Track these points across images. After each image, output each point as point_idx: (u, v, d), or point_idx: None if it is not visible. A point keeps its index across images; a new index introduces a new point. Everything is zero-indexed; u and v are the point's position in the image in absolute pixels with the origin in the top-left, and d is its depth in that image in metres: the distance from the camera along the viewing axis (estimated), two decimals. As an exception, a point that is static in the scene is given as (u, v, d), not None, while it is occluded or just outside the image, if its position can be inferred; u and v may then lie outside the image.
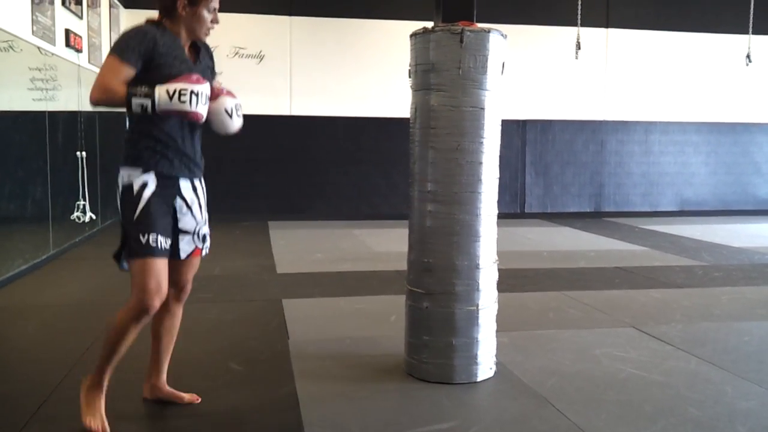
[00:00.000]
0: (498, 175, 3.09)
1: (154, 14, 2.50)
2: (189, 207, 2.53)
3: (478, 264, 3.01)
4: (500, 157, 3.11)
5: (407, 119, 3.20)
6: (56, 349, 3.48)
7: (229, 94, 2.51)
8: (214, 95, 2.45)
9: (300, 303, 4.50)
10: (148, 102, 2.27)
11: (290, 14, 9.28)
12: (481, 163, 2.98)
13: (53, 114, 5.88)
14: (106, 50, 7.85)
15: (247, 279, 5.32)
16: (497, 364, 3.16)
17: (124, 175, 2.43)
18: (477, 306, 3.01)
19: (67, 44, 6.39)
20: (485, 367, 3.07)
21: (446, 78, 2.92)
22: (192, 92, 2.28)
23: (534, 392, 2.92)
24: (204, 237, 2.61)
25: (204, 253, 2.64)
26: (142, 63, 2.35)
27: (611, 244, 7.41)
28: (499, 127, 3.06)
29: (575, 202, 10.25)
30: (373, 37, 9.42)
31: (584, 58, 9.22)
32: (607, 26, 10.03)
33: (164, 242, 2.41)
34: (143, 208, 2.38)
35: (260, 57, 9.21)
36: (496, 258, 3.14)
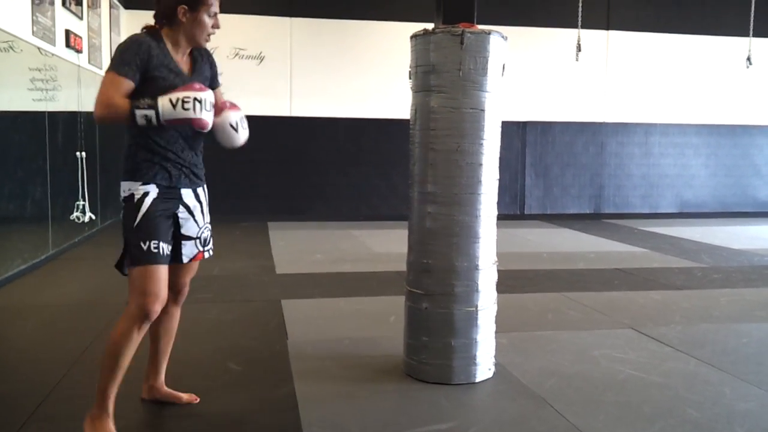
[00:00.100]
0: (498, 177, 3.09)
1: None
2: (191, 213, 2.52)
3: (478, 265, 3.01)
4: (500, 158, 3.11)
5: (407, 120, 3.20)
6: (55, 349, 3.48)
7: (233, 107, 2.48)
8: (218, 110, 2.42)
9: (299, 303, 4.50)
10: (152, 113, 2.24)
11: (290, 15, 9.28)
12: (481, 164, 2.98)
13: (53, 114, 5.89)
14: (106, 51, 7.86)
15: (246, 279, 5.32)
16: (496, 364, 3.16)
17: (125, 188, 2.41)
18: (476, 307, 3.02)
19: (67, 45, 6.40)
20: (484, 367, 3.07)
21: (446, 79, 2.92)
22: (195, 99, 2.26)
23: (533, 393, 2.92)
24: (206, 241, 2.60)
25: (207, 256, 2.63)
26: (139, 75, 2.32)
27: (611, 246, 7.41)
28: (500, 129, 3.07)
29: (575, 203, 10.25)
30: (374, 38, 9.43)
31: (585, 60, 9.24)
32: (607, 28, 10.04)
33: (165, 249, 2.40)
34: (143, 216, 2.36)
35: (260, 58, 9.22)
36: (496, 259, 3.14)
